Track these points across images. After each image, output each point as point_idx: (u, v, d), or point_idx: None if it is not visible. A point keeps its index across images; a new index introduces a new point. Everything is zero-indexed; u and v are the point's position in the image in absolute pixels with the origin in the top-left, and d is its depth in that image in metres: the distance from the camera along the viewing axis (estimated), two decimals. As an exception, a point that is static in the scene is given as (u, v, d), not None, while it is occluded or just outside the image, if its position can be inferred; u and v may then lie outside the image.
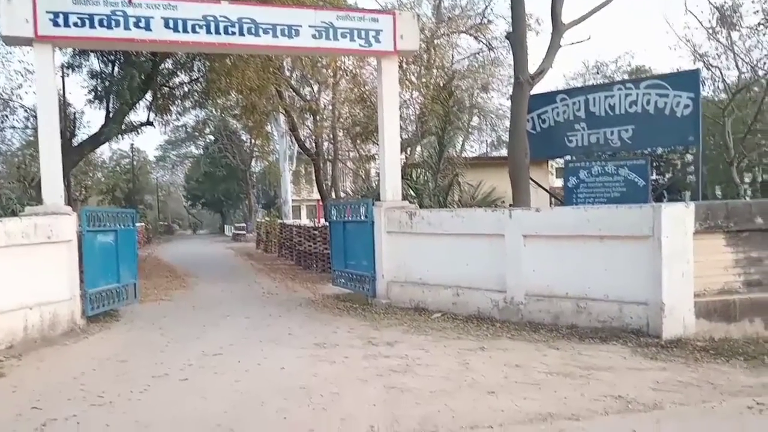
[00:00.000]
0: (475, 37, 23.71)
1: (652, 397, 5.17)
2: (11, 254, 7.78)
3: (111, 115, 18.05)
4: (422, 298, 9.95)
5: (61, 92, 21.67)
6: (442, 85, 20.44)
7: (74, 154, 18.76)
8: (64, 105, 22.24)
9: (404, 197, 11.33)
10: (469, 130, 28.11)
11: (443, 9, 22.95)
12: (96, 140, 18.83)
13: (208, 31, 9.75)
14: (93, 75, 18.36)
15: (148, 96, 19.36)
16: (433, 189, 12.66)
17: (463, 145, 25.18)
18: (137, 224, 13.08)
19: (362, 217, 11.03)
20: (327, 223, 18.15)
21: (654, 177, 26.38)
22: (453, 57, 23.67)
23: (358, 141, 24.27)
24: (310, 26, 10.22)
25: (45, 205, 8.97)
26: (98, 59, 18.15)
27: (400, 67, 12.16)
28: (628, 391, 5.32)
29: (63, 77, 22.12)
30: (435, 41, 20.87)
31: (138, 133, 20.44)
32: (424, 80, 20.44)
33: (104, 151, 57.99)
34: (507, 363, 6.43)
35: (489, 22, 23.38)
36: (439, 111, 12.99)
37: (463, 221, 9.47)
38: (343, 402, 5.30)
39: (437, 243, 9.85)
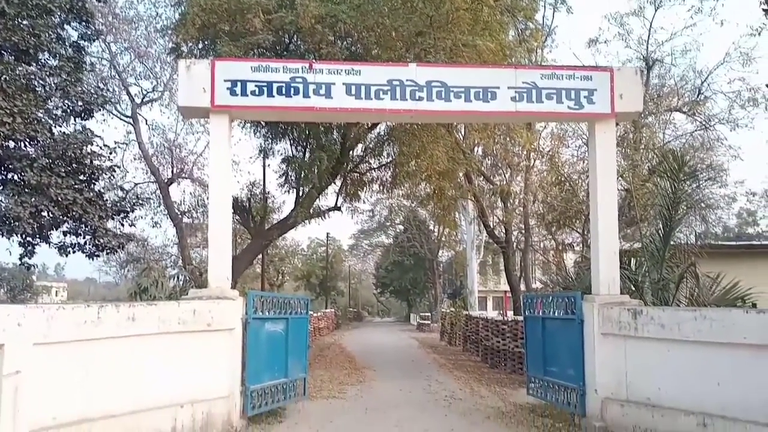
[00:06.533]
0: (690, 115, 21.20)
1: None
2: (163, 343, 6.93)
3: (300, 199, 17.95)
4: (652, 425, 7.50)
5: (261, 178, 22.36)
6: (652, 166, 18.00)
7: (263, 237, 18.86)
8: (263, 190, 22.87)
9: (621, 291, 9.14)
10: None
11: (651, 86, 20.70)
12: (284, 224, 18.82)
13: (393, 97, 8.74)
14: (284, 160, 18.49)
15: (338, 181, 19.14)
16: (657, 281, 10.17)
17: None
18: (310, 311, 12.09)
19: (567, 314, 9.00)
20: (517, 318, 16.18)
21: None
22: (663, 137, 21.21)
23: (554, 228, 22.30)
24: (509, 87, 8.84)
25: (210, 289, 8.11)
26: (291, 144, 18.33)
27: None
28: None
29: (264, 162, 22.79)
30: (642, 120, 18.65)
31: (324, 218, 20.15)
32: (630, 161, 18.20)
33: (302, 239, 60.99)
34: None
35: (706, 98, 20.94)
36: (663, 185, 10.62)
37: (712, 325, 7.02)
38: None
39: (673, 352, 7.47)
